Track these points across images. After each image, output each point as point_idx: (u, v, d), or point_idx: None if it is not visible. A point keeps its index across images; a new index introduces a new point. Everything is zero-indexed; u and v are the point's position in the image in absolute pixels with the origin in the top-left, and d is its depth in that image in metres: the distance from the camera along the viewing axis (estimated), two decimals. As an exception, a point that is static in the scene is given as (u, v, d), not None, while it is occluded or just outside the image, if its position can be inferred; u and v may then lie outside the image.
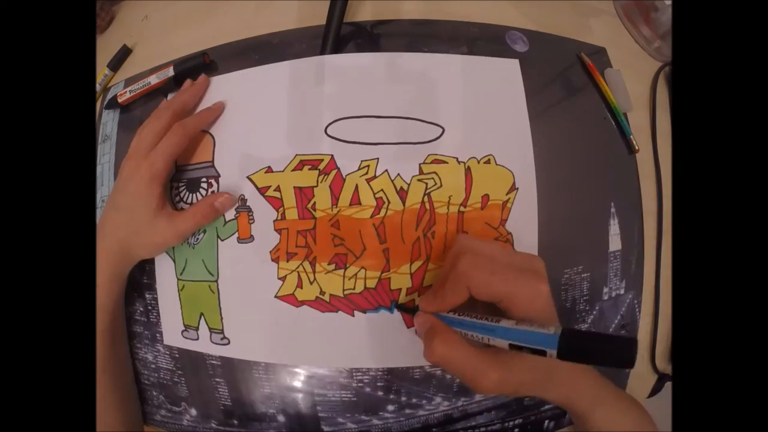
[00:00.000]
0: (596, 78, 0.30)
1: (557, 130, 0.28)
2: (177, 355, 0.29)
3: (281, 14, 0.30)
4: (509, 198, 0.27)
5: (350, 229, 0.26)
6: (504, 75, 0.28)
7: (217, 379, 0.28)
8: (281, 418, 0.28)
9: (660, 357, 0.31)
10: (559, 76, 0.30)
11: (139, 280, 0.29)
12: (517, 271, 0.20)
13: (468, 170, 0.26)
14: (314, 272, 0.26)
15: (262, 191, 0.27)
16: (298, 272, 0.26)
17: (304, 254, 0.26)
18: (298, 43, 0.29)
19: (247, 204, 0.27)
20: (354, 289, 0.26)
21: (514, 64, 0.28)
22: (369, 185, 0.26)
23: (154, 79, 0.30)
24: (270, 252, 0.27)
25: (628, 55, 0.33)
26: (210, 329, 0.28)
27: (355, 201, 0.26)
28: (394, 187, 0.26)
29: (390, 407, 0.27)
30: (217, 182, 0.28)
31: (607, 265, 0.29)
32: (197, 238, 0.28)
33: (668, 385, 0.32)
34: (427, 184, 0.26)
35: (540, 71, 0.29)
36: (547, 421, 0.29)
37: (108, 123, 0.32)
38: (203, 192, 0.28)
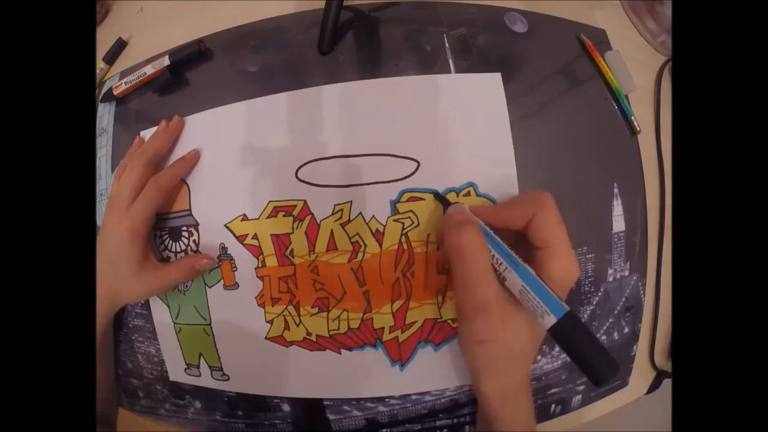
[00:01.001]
0: (596, 59, 0.29)
1: (558, 111, 0.28)
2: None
3: (278, 4, 0.30)
4: None
5: (329, 275, 0.26)
6: (484, 91, 0.27)
7: (221, 372, 0.29)
8: (286, 407, 0.28)
9: (659, 354, 0.32)
10: (559, 58, 0.29)
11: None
12: (571, 246, 0.21)
13: None
14: (299, 315, 0.27)
15: (240, 239, 0.27)
16: (284, 316, 0.27)
17: (287, 299, 0.27)
18: (295, 29, 0.29)
19: (228, 252, 0.27)
20: (338, 329, 0.27)
21: (495, 79, 0.27)
22: (344, 230, 0.26)
23: (149, 69, 0.30)
24: (255, 298, 0.27)
25: (633, 48, 0.33)
26: (210, 367, 0.29)
27: (332, 246, 0.26)
28: (370, 230, 0.26)
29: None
30: (197, 230, 0.28)
31: (611, 246, 0.29)
32: (186, 285, 0.28)
33: (666, 382, 0.32)
34: (403, 224, 0.26)
35: (540, 52, 0.29)
36: (553, 406, 0.30)
37: (104, 116, 0.32)
38: (185, 240, 0.28)
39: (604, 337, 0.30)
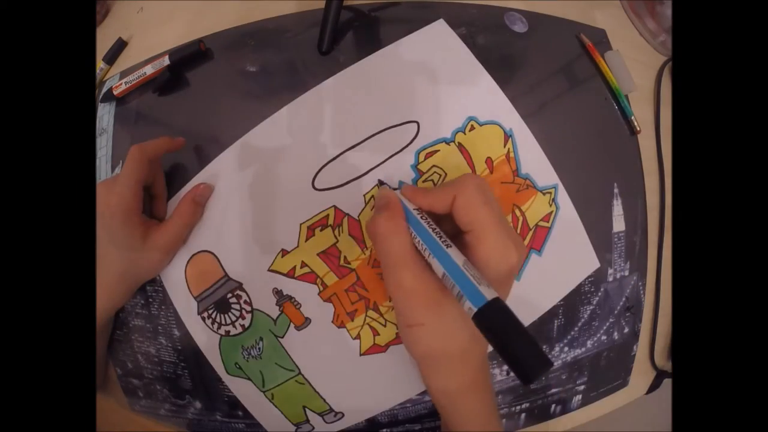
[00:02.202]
0: (596, 59, 0.30)
1: (558, 110, 0.28)
2: (180, 347, 0.29)
3: (278, 4, 0.30)
4: (508, 148, 0.27)
5: None
6: (440, 40, 0.28)
7: (221, 372, 0.28)
8: (287, 407, 0.28)
9: (659, 354, 0.32)
10: (559, 57, 0.30)
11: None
12: (506, 226, 0.19)
13: (460, 145, 0.26)
14: (382, 315, 0.26)
15: (290, 274, 0.26)
16: (368, 324, 0.26)
17: (363, 306, 0.26)
18: (295, 29, 0.29)
19: (285, 293, 0.26)
20: None
21: (441, 26, 0.28)
22: None
23: (149, 69, 0.30)
24: (332, 322, 0.26)
25: (633, 48, 0.33)
26: (319, 414, 0.27)
27: None
28: None
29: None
30: (244, 290, 0.27)
31: (611, 246, 0.29)
32: (259, 348, 0.27)
33: (666, 382, 0.32)
34: (433, 180, 0.26)
35: (540, 52, 0.29)
36: (553, 405, 0.30)
37: (104, 116, 0.32)
38: (237, 307, 0.27)
39: (604, 337, 0.30)
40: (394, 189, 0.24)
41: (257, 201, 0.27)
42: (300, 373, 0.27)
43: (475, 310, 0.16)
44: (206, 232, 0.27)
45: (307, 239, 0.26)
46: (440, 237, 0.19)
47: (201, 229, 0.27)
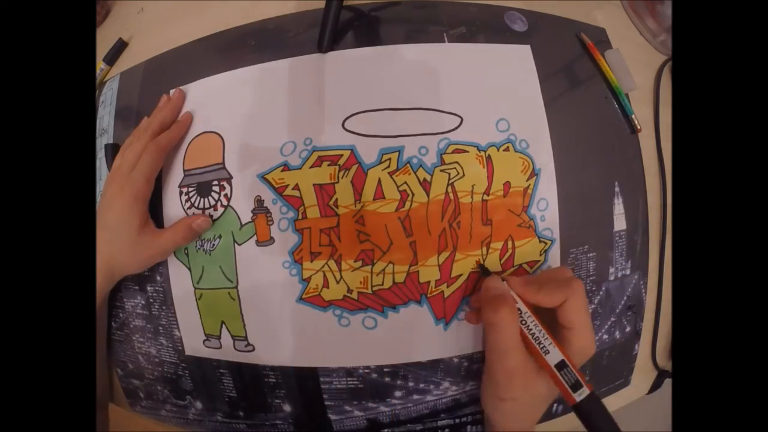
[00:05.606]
0: (596, 58, 0.30)
1: (559, 110, 0.29)
2: (180, 348, 0.29)
3: (278, 4, 0.30)
4: (529, 184, 0.27)
5: (375, 224, 0.26)
6: (517, 62, 0.29)
7: (222, 371, 0.29)
8: (287, 407, 0.29)
9: (661, 353, 0.32)
10: (560, 57, 0.30)
11: (141, 273, 0.29)
12: (591, 325, 0.24)
13: (489, 159, 0.27)
14: (340, 270, 0.26)
15: (279, 191, 0.27)
16: (324, 272, 0.27)
17: (328, 253, 0.26)
18: (295, 29, 0.29)
19: (264, 205, 0.27)
20: (382, 284, 0.26)
21: (525, 51, 0.29)
22: (392, 178, 0.26)
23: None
24: (293, 253, 0.27)
25: (633, 47, 0.33)
26: (233, 337, 0.28)
27: (379, 195, 0.26)
28: (417, 179, 0.26)
29: (397, 393, 0.28)
30: (230, 184, 0.28)
31: (612, 245, 0.29)
32: (213, 244, 0.27)
33: (668, 381, 0.33)
34: (449, 174, 0.27)
35: (539, 52, 0.29)
36: (555, 405, 0.30)
37: (104, 117, 0.33)
38: (215, 195, 0.28)
39: (605, 336, 0.30)
40: (498, 273, 0.26)
41: (286, 112, 0.27)
42: (236, 287, 0.27)
43: (578, 400, 0.21)
44: (227, 116, 0.28)
45: (312, 166, 0.27)
46: (544, 335, 0.23)
47: (223, 112, 0.28)
